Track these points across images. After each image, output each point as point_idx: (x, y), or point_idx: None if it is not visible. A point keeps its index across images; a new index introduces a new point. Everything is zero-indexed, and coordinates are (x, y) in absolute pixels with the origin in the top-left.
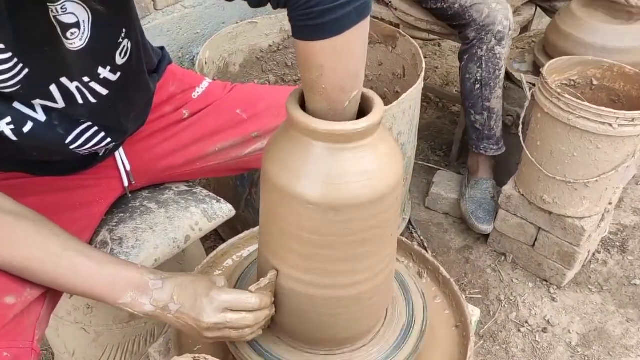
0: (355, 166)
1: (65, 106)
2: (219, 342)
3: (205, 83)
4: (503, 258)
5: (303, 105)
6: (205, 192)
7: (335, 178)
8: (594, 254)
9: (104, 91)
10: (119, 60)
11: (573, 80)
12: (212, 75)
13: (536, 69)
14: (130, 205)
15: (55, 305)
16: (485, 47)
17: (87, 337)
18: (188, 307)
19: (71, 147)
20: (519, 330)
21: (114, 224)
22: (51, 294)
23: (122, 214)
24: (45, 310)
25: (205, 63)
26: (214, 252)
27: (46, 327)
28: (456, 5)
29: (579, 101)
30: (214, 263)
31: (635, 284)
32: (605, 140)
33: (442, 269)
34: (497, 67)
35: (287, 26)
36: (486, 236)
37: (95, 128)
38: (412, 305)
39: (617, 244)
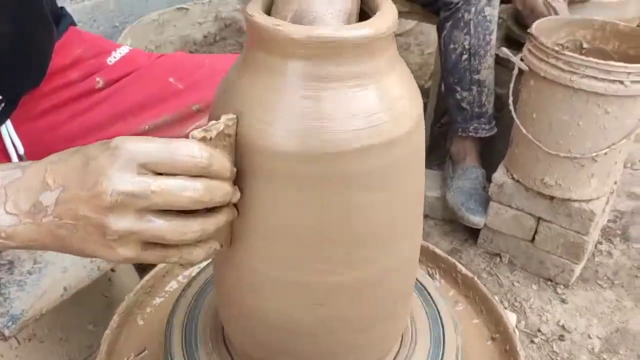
0: (352, 102)
1: None
2: None
3: (125, 49)
4: (498, 259)
5: None
6: None
7: (320, 117)
8: (596, 246)
9: None
10: None
11: (561, 45)
12: None
13: (510, 44)
14: None
15: None
16: (473, 10)
17: None
18: (75, 184)
19: None
20: (532, 341)
21: None
22: None
23: None
24: None
25: None
26: (152, 272)
27: None
28: None
29: (583, 57)
30: (152, 287)
31: None
32: (615, 102)
33: (460, 266)
34: (487, 32)
35: (224, 13)
36: (475, 236)
37: None
38: (440, 321)
39: (618, 232)
